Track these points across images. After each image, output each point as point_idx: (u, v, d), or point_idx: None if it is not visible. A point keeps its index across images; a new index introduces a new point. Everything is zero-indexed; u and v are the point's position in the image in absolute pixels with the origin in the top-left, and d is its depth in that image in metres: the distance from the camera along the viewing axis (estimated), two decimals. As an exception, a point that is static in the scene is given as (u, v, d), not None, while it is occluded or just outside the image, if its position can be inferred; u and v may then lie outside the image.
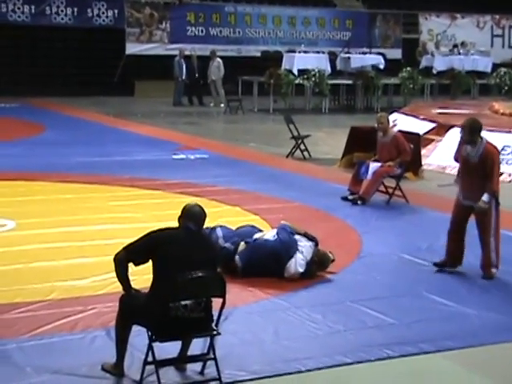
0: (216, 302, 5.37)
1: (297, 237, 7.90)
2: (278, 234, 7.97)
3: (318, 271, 7.86)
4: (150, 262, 5.30)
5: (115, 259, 5.31)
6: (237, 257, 7.77)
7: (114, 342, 5.51)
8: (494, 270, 7.87)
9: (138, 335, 5.50)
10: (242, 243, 7.87)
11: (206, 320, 5.31)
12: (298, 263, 7.67)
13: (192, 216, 5.42)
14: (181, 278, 5.08)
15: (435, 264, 8.08)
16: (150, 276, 5.31)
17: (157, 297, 5.18)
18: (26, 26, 26.40)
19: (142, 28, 27.91)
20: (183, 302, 5.12)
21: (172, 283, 5.09)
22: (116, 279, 6.90)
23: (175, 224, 5.52)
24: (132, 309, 5.33)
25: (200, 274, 5.15)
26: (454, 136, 15.08)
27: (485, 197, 7.67)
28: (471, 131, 7.84)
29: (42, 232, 9.13)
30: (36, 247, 8.56)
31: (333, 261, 7.91)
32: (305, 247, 7.80)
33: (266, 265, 7.67)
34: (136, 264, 5.34)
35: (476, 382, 5.73)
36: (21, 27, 26.24)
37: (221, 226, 8.27)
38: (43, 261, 8.09)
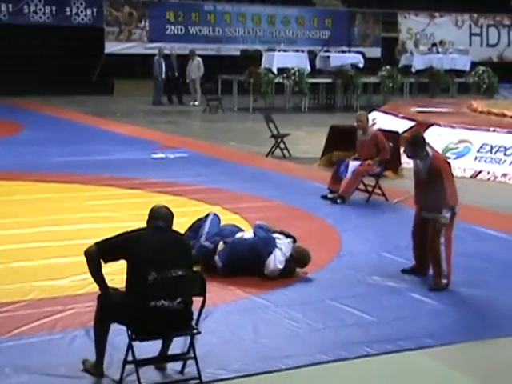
0: (196, 301, 5.37)
1: (274, 235, 7.91)
2: (254, 232, 7.99)
3: (297, 267, 7.87)
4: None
5: (86, 253, 5.32)
6: (216, 257, 7.76)
7: (94, 341, 5.49)
8: (444, 281, 7.59)
9: (118, 335, 5.48)
10: (221, 243, 7.87)
11: (186, 318, 5.31)
12: (277, 260, 7.68)
13: (159, 216, 5.44)
14: (159, 277, 5.08)
15: (403, 271, 7.93)
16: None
17: (132, 295, 5.17)
18: (4, 24, 26.23)
19: (120, 27, 27.83)
20: (161, 301, 5.11)
21: (146, 281, 5.09)
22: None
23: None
24: (109, 307, 5.32)
25: (180, 273, 5.16)
26: (433, 134, 15.19)
27: (444, 212, 7.42)
28: (412, 145, 7.66)
29: (21, 232, 9.07)
30: (14, 247, 8.50)
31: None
32: (283, 244, 7.82)
33: (245, 262, 7.68)
34: (105, 261, 5.34)
35: (456, 379, 5.75)
36: (-2, 26, 26.11)
37: (214, 214, 8.31)
38: (21, 261, 8.04)
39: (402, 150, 11.81)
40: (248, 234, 8.20)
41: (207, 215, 8.30)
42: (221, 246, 7.85)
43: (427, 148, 7.67)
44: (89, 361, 5.52)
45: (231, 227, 8.32)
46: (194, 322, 5.38)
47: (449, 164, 7.75)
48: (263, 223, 8.18)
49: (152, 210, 5.52)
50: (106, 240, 5.35)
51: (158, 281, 5.07)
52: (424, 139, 7.82)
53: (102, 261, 5.32)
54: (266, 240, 7.84)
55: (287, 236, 7.98)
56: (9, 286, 7.31)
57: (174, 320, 5.23)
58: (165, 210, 5.51)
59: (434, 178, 7.53)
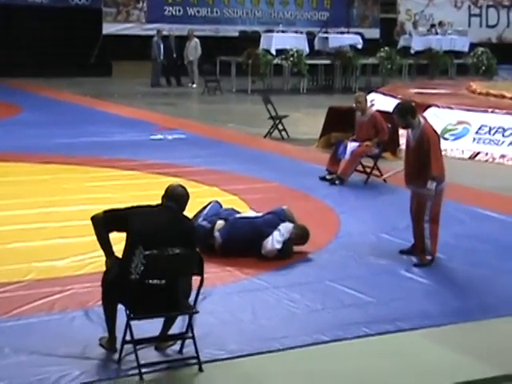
0: (194, 281, 5.39)
1: (282, 224, 7.89)
2: (268, 213, 8.02)
3: (297, 244, 7.89)
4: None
5: (92, 219, 5.44)
6: (217, 233, 7.79)
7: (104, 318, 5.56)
8: (428, 257, 7.63)
9: (118, 315, 5.50)
10: (220, 221, 7.89)
11: (175, 297, 5.34)
12: (275, 240, 7.69)
13: (172, 196, 5.50)
14: (155, 252, 5.11)
15: (402, 252, 7.95)
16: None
17: (125, 270, 5.20)
18: (1, 5, 26.08)
19: (118, 8, 27.69)
20: (148, 279, 5.15)
21: (132, 256, 5.14)
22: (94, 260, 6.93)
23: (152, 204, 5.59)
24: (110, 282, 5.38)
25: (177, 251, 5.18)
26: (431, 116, 15.16)
27: (428, 183, 7.42)
28: (400, 114, 7.68)
29: (20, 213, 9.08)
30: (13, 228, 8.52)
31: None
32: (282, 226, 7.82)
33: (245, 240, 7.71)
34: (110, 230, 5.44)
35: (453, 359, 5.77)
36: (-5, 8, 25.98)
37: (217, 202, 8.34)
38: (21, 242, 8.06)
39: (400, 131, 11.84)
40: (249, 213, 8.24)
41: (209, 203, 8.29)
42: (219, 224, 7.87)
43: (419, 117, 7.68)
44: (104, 337, 5.59)
45: (230, 210, 8.33)
46: (192, 302, 5.41)
47: (438, 136, 7.72)
48: (286, 210, 8.12)
49: (168, 188, 5.59)
50: (114, 210, 5.49)
51: (146, 256, 5.09)
52: (414, 107, 7.82)
53: (107, 229, 5.43)
54: (268, 221, 7.86)
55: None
56: (8, 266, 7.32)
57: (162, 298, 5.25)
58: (179, 191, 5.56)
59: (421, 147, 7.51)
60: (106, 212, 5.45)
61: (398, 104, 8.01)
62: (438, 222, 7.69)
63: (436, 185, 7.50)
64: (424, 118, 7.83)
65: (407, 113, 7.66)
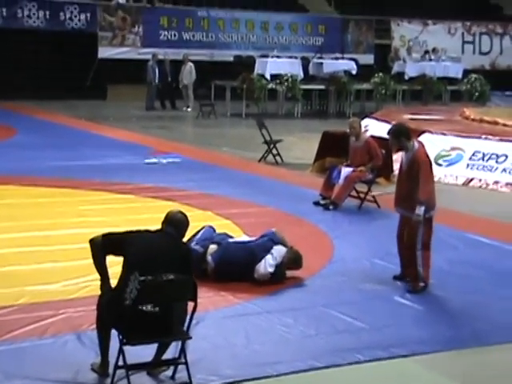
0: (187, 307, 5.38)
1: (275, 247, 7.90)
2: (260, 237, 8.03)
3: (291, 268, 7.88)
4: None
5: (91, 242, 5.43)
6: (209, 257, 7.78)
7: (98, 341, 5.53)
8: (421, 284, 7.62)
9: (111, 339, 5.47)
10: (212, 246, 7.89)
11: (168, 324, 5.31)
12: (267, 263, 7.69)
13: (172, 222, 5.51)
14: (150, 279, 5.09)
15: (395, 277, 7.94)
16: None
17: (120, 296, 5.18)
18: (-3, 29, 26.20)
19: (114, 32, 27.80)
20: (141, 305, 5.14)
21: (128, 281, 5.13)
22: (87, 284, 6.90)
23: (147, 228, 5.60)
24: (104, 307, 5.37)
25: (171, 277, 5.16)
26: (425, 141, 15.21)
27: (417, 209, 7.40)
28: (394, 135, 7.73)
29: (12, 236, 9.06)
30: (6, 251, 8.49)
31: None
32: (275, 249, 7.82)
33: (238, 264, 7.70)
34: (107, 253, 5.42)
35: (446, 385, 5.77)
36: (-8, 31, 26.05)
37: (210, 227, 8.32)
38: (14, 265, 8.03)
39: (394, 156, 11.88)
40: (241, 238, 8.25)
41: (202, 228, 8.28)
42: (212, 248, 7.87)
43: (414, 141, 7.70)
44: (96, 361, 5.57)
45: (223, 235, 8.32)
46: (185, 328, 5.39)
47: (430, 162, 7.71)
48: (276, 232, 8.13)
49: (168, 214, 5.59)
50: (112, 234, 5.47)
51: (140, 282, 5.08)
52: (408, 130, 7.86)
53: (105, 253, 5.42)
54: (261, 245, 7.86)
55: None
56: (0, 290, 7.29)
57: (156, 324, 5.23)
58: (178, 217, 5.56)
59: (412, 169, 7.53)
60: (104, 236, 5.43)
61: (393, 125, 8.04)
62: (430, 248, 7.70)
63: (426, 211, 7.48)
64: (420, 142, 7.85)
65: (401, 134, 7.70)
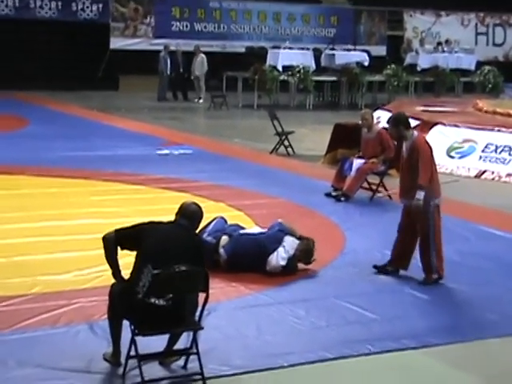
0: (199, 297, 5.39)
1: (285, 237, 7.91)
2: (269, 228, 8.03)
3: (303, 262, 7.89)
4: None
5: (104, 239, 5.42)
6: (221, 250, 7.79)
7: (109, 331, 5.55)
8: (434, 276, 7.61)
9: (123, 330, 5.49)
10: (225, 237, 7.90)
11: (181, 315, 5.32)
12: (279, 256, 7.70)
13: (185, 213, 5.51)
14: (163, 271, 5.10)
15: (375, 267, 7.90)
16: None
17: (133, 289, 5.19)
18: (10, 19, 26.25)
19: (126, 22, 27.85)
20: (153, 297, 5.14)
21: (141, 274, 5.13)
22: (99, 274, 6.93)
23: (158, 219, 5.62)
24: (116, 298, 5.38)
25: (184, 269, 5.17)
26: (437, 133, 15.18)
27: (416, 194, 7.38)
28: (393, 124, 7.72)
29: (25, 226, 9.10)
30: (19, 241, 8.53)
31: (313, 260, 7.94)
32: (287, 242, 7.83)
33: (250, 256, 7.71)
34: (122, 248, 5.44)
35: (457, 378, 5.76)
36: (4, 21, 26.08)
37: (222, 218, 8.33)
38: (26, 255, 8.07)
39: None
40: (253, 229, 8.26)
41: (214, 219, 8.29)
42: (224, 239, 7.88)
43: (413, 130, 7.69)
44: (108, 351, 5.58)
45: (235, 226, 8.33)
46: (196, 318, 5.41)
47: (430, 148, 7.66)
48: (283, 223, 8.15)
49: (181, 205, 5.59)
50: (125, 228, 5.46)
51: (153, 275, 5.09)
52: (407, 118, 7.84)
53: (119, 247, 5.42)
54: (272, 237, 7.87)
55: (300, 239, 8.00)
56: (13, 279, 7.33)
57: (168, 316, 5.24)
58: (192, 208, 5.56)
59: (412, 157, 7.51)
60: (117, 231, 5.44)
61: (392, 114, 8.03)
62: (441, 238, 7.68)
63: (430, 199, 7.45)
64: (420, 133, 7.81)
65: (400, 122, 7.69)
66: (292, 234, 7.99)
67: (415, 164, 7.44)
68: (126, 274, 5.44)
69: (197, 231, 5.76)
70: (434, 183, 7.56)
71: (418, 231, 7.66)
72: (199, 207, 5.61)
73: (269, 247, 7.75)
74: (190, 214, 5.51)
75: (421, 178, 7.38)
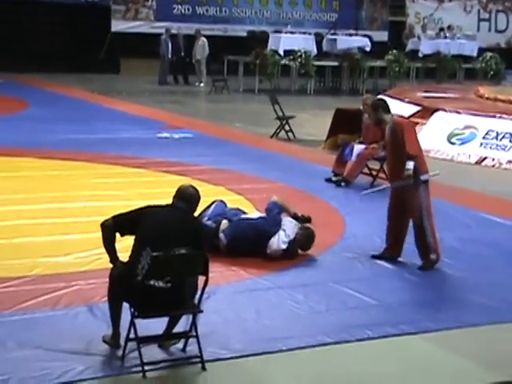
0: (199, 281, 5.40)
1: (284, 217, 7.93)
2: (266, 209, 8.06)
3: (302, 247, 7.90)
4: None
5: (102, 225, 5.44)
6: (221, 234, 7.80)
7: (109, 313, 5.56)
8: (433, 257, 7.62)
9: (123, 312, 5.51)
10: (225, 221, 7.90)
11: (181, 297, 5.34)
12: (280, 240, 7.71)
13: (183, 196, 5.52)
14: (162, 254, 5.10)
15: (373, 257, 7.89)
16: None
17: (132, 271, 5.21)
18: (11, 1, 26.14)
19: (127, 5, 27.74)
20: (152, 279, 5.15)
21: (140, 257, 5.15)
22: (99, 256, 6.94)
23: (158, 202, 5.61)
24: (116, 281, 5.39)
25: (183, 252, 5.18)
26: (438, 119, 15.17)
27: (406, 164, 7.37)
28: (373, 107, 7.85)
29: (26, 208, 9.10)
30: (19, 223, 8.54)
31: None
32: (288, 226, 7.84)
33: (250, 240, 7.72)
34: (121, 234, 5.47)
35: (456, 363, 5.77)
36: (5, 2, 25.96)
37: (221, 201, 8.33)
38: (26, 237, 8.08)
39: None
40: (253, 214, 8.27)
41: (213, 202, 8.29)
42: (224, 224, 7.88)
43: (392, 113, 7.75)
44: (107, 333, 5.60)
45: (235, 210, 8.34)
46: (196, 301, 5.42)
47: (411, 123, 7.79)
48: (278, 201, 8.16)
49: (179, 188, 5.60)
50: (123, 214, 5.47)
51: (152, 258, 5.10)
52: (387, 104, 7.89)
53: (118, 234, 5.44)
54: (272, 221, 7.87)
55: (297, 219, 8.00)
56: (13, 261, 7.34)
57: (167, 299, 5.26)
58: (190, 191, 5.57)
59: (396, 137, 7.55)
60: (115, 217, 5.45)
61: (373, 99, 8.10)
62: (432, 215, 7.64)
63: (419, 174, 7.44)
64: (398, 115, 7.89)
65: (379, 106, 7.79)
66: (287, 211, 8.00)
67: (401, 141, 7.46)
68: (125, 256, 5.45)
69: (195, 214, 5.76)
70: (420, 158, 7.59)
71: (408, 213, 7.65)
72: (196, 190, 5.62)
73: (269, 230, 7.77)
74: (187, 197, 5.52)
75: (409, 148, 7.42)
